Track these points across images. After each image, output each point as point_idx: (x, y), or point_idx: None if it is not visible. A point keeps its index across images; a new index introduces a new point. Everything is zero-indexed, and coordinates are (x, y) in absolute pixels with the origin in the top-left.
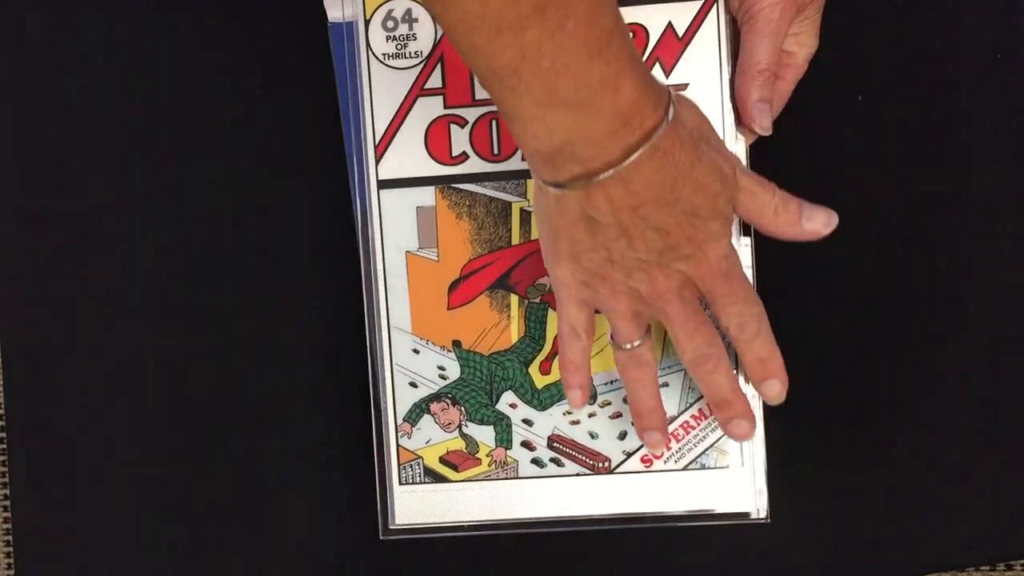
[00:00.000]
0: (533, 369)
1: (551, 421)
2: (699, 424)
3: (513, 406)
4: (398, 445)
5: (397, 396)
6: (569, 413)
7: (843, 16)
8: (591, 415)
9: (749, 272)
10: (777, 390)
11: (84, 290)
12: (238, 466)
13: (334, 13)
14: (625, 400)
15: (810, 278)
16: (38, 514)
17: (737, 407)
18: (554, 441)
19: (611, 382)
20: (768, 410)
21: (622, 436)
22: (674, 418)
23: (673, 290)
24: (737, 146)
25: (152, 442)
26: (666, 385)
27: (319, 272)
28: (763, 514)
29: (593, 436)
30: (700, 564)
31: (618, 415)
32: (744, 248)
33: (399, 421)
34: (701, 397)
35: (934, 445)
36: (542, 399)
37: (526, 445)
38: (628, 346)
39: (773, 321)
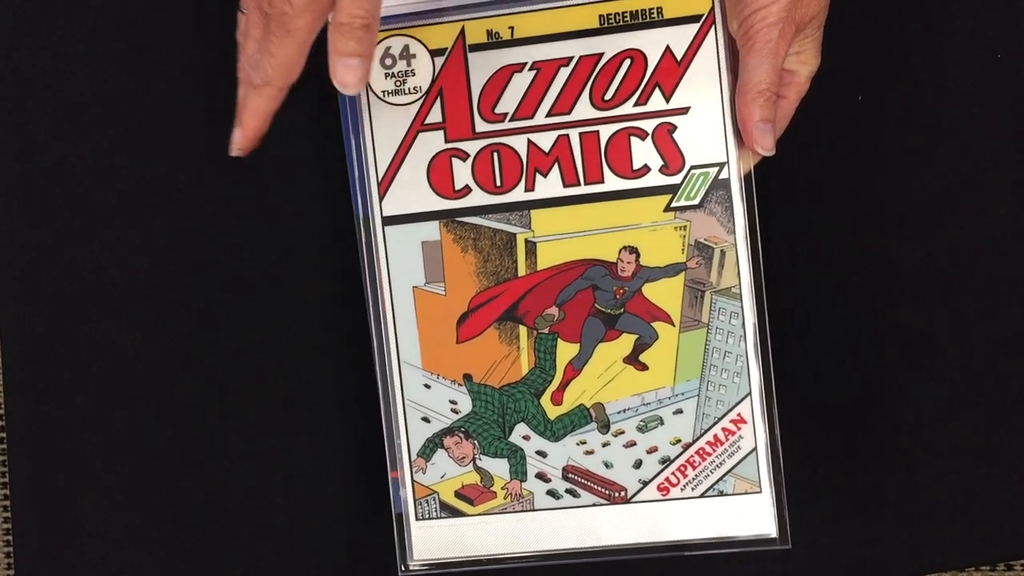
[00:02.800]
0: (545, 400)
1: (565, 452)
2: (715, 451)
3: (526, 438)
4: (413, 480)
5: (410, 431)
6: (583, 443)
7: (843, 17)
8: (605, 444)
9: (748, 271)
10: (355, 77)
11: (85, 290)
12: (243, 480)
13: None
14: (639, 428)
15: (809, 277)
16: (38, 514)
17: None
18: (569, 472)
19: (624, 411)
20: (770, 412)
21: (637, 465)
22: (689, 445)
23: None
24: (741, 167)
25: (152, 443)
26: (680, 412)
27: (326, 306)
28: (781, 538)
29: (608, 466)
30: None
31: (632, 444)
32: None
33: (413, 456)
34: (716, 423)
35: (934, 445)
36: (555, 430)
37: (541, 477)
38: None
39: (773, 321)
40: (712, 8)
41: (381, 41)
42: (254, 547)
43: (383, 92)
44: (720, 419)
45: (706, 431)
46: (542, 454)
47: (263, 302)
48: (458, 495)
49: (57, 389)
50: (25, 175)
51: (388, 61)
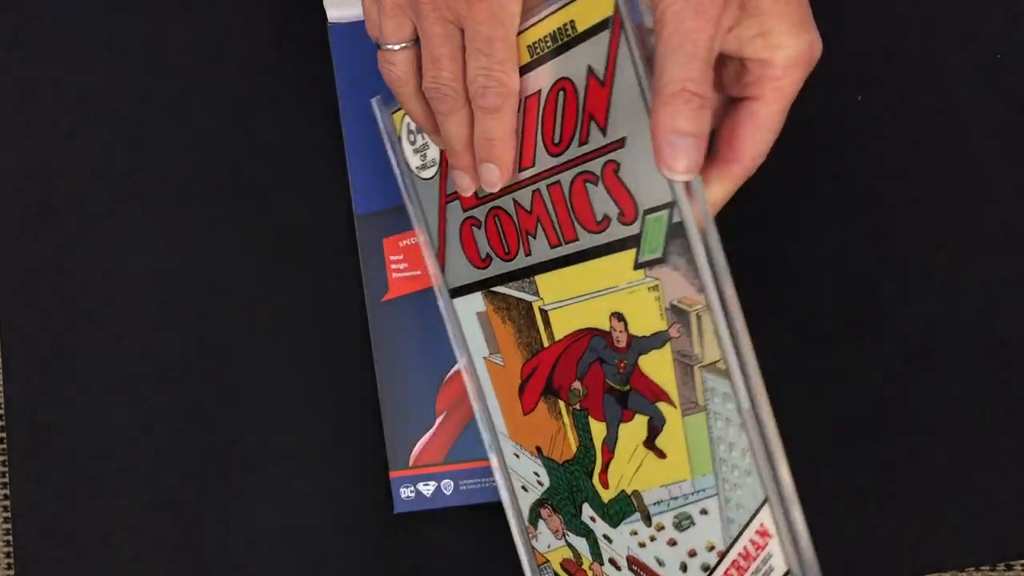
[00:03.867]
0: (595, 481)
1: (624, 541)
2: (749, 565)
3: (593, 519)
4: (532, 547)
5: (518, 498)
6: (635, 534)
7: (843, 16)
8: (652, 539)
9: (728, 341)
10: (495, 177)
11: (85, 290)
12: (243, 480)
13: (332, 13)
14: (675, 525)
15: (808, 278)
16: (38, 514)
17: (463, 160)
18: (632, 564)
19: (658, 502)
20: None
21: (684, 568)
22: (723, 554)
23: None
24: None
25: (152, 443)
26: (705, 512)
27: (325, 308)
28: None
29: (660, 563)
30: None
31: (674, 542)
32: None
33: (526, 523)
34: (742, 532)
35: (934, 445)
36: (611, 515)
37: (613, 563)
38: (387, 46)
39: (772, 321)
40: (616, 6)
41: (406, 115)
42: (254, 547)
43: (416, 168)
44: (745, 527)
45: (735, 540)
46: (608, 539)
47: (263, 304)
48: (563, 567)
49: (57, 389)
50: (25, 175)
51: (412, 137)
